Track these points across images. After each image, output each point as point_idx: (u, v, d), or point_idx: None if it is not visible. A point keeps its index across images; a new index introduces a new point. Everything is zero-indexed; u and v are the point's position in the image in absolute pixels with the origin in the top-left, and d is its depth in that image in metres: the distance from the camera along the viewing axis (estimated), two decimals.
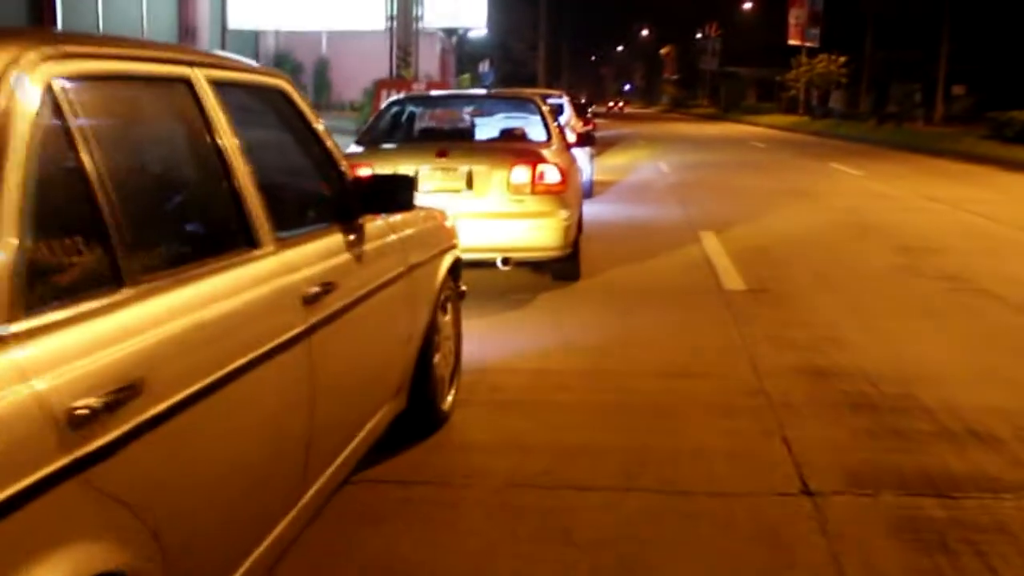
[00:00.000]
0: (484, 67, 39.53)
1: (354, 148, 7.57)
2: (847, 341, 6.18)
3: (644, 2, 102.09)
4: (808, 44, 56.60)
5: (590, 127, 25.02)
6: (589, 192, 13.97)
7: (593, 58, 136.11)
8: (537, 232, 7.00)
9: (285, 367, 2.60)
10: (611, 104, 31.86)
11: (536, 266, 7.66)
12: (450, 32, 37.89)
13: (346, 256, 3.20)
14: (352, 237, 3.30)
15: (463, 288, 4.97)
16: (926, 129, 39.58)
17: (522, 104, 8.82)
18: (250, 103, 3.06)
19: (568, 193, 7.24)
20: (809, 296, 7.61)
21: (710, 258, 9.22)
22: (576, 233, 7.62)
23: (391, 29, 26.50)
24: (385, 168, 7.00)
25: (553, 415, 4.69)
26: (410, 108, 8.43)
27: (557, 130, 8.04)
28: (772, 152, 28.32)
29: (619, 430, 4.49)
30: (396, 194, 3.55)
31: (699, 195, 15.33)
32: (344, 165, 3.49)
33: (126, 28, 23.07)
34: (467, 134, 7.93)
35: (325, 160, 3.43)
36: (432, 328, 4.18)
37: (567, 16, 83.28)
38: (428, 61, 36.30)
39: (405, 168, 7.04)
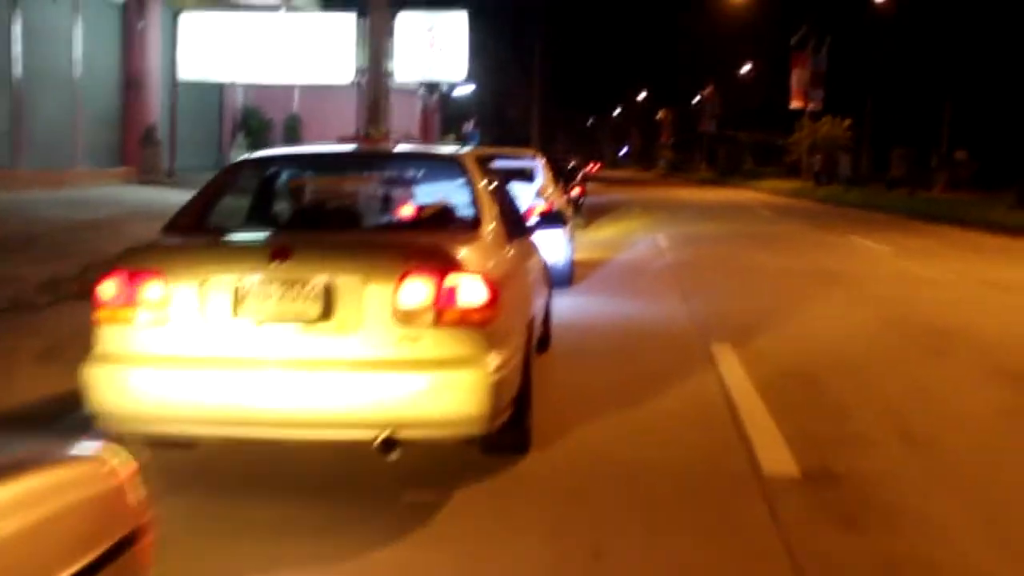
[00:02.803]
0: (468, 126, 36.82)
1: (158, 238, 4.59)
2: None
3: (641, 66, 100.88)
4: (811, 106, 54.10)
5: (577, 195, 22.28)
6: (568, 279, 11.02)
7: (590, 122, 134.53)
8: (444, 394, 3.97)
9: None
10: (588, 167, 29.87)
11: None
12: (431, 88, 35.32)
13: None
14: None
15: None
16: (944, 196, 36.79)
17: (442, 167, 5.76)
18: None
19: (502, 320, 4.23)
20: (907, 487, 4.56)
21: (732, 397, 6.17)
22: (519, 384, 4.57)
23: (359, 84, 23.85)
24: (182, 279, 4.04)
25: None
26: (269, 172, 5.44)
27: (494, 210, 5.01)
28: (780, 222, 25.41)
29: None
30: None
31: (705, 281, 12.35)
32: None
33: (53, 77, 20.21)
34: (346, 218, 4.94)
35: None
36: None
37: (563, 79, 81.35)
38: (407, 119, 33.64)
39: (218, 279, 4.07)
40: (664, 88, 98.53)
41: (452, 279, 4.00)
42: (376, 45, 21.56)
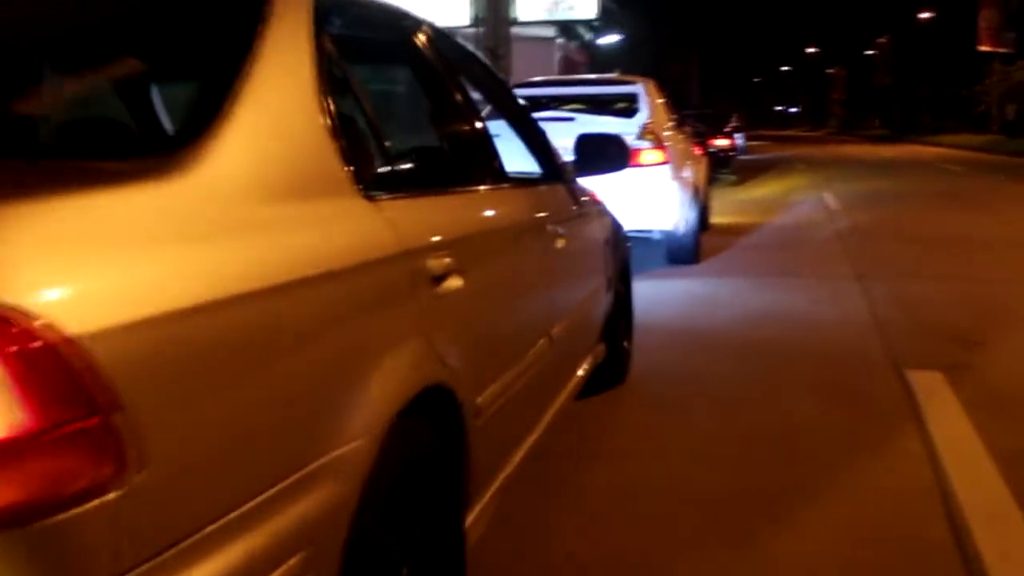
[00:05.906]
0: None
1: None
2: None
3: (811, 20, 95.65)
4: (1003, 50, 48.16)
5: (727, 147, 19.77)
6: (691, 255, 7.89)
7: (757, 79, 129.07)
8: None
9: None
10: (727, 127, 26.29)
11: None
12: (568, 32, 32.22)
13: None
14: None
15: None
16: None
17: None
18: None
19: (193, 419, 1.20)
20: None
21: (965, 524, 2.95)
22: None
23: (476, 32, 21.11)
24: None
25: None
26: None
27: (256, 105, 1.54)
28: (975, 177, 21.24)
29: None
30: None
31: (889, 256, 8.90)
32: None
33: None
34: None
35: None
36: None
37: (727, 35, 77.14)
38: (543, 70, 30.60)
39: None
40: (836, 42, 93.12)
41: None
42: None
